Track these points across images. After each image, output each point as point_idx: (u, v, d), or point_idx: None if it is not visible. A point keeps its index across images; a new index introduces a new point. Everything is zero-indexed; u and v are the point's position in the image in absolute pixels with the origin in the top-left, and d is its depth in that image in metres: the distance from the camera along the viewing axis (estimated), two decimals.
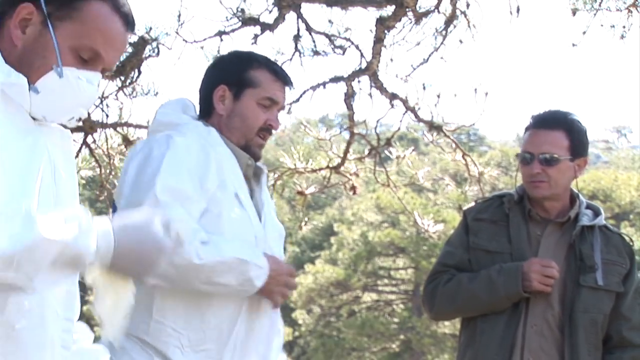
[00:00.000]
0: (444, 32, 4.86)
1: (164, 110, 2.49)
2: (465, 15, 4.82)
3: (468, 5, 4.81)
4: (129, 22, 1.70)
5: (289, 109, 5.16)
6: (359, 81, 5.07)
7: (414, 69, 5.01)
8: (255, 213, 2.44)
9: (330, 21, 4.89)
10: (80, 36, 1.62)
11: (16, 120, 1.58)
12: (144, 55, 4.54)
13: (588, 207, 3.11)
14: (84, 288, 1.72)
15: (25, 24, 1.60)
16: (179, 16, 4.56)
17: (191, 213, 2.26)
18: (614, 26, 4.27)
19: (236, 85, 2.46)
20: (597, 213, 3.08)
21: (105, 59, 1.66)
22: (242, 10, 4.66)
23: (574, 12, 4.27)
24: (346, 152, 5.48)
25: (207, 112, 2.50)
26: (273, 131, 2.52)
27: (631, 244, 3.12)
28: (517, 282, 2.90)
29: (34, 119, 1.63)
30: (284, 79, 2.52)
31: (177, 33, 4.56)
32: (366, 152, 5.57)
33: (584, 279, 2.95)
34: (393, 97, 5.13)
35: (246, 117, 2.46)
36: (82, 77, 1.63)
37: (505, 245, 3.01)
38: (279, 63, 4.99)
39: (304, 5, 4.78)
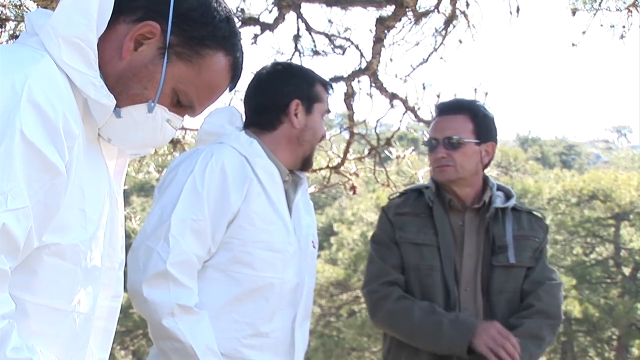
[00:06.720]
0: (443, 32, 4.86)
1: (211, 119, 2.62)
2: (465, 15, 4.82)
3: (468, 5, 4.82)
4: (234, 83, 1.57)
5: None
6: (359, 81, 5.07)
7: (414, 68, 5.03)
8: (292, 223, 2.54)
9: (330, 21, 4.90)
10: (189, 83, 1.49)
11: (88, 134, 1.45)
12: None
13: (499, 189, 3.12)
14: None
15: (142, 42, 1.45)
16: None
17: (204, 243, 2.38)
18: (613, 26, 4.27)
19: (307, 100, 2.60)
20: (508, 195, 3.10)
21: (197, 111, 1.54)
22: (242, 10, 4.67)
23: (574, 12, 4.27)
24: (346, 152, 5.48)
25: (270, 124, 2.60)
26: None
27: (542, 218, 3.14)
28: (464, 340, 2.84)
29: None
30: (331, 91, 2.72)
31: None
32: (366, 152, 5.57)
33: (496, 259, 2.97)
34: (393, 97, 5.14)
35: (317, 130, 2.63)
36: (171, 120, 1.51)
37: (432, 237, 3.00)
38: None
39: (304, 5, 4.78)
